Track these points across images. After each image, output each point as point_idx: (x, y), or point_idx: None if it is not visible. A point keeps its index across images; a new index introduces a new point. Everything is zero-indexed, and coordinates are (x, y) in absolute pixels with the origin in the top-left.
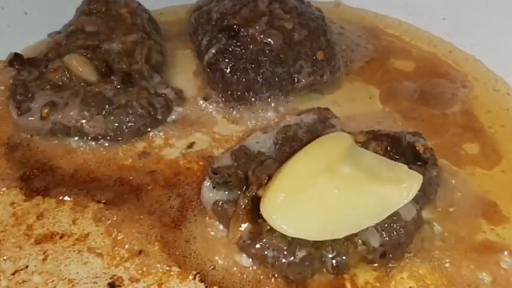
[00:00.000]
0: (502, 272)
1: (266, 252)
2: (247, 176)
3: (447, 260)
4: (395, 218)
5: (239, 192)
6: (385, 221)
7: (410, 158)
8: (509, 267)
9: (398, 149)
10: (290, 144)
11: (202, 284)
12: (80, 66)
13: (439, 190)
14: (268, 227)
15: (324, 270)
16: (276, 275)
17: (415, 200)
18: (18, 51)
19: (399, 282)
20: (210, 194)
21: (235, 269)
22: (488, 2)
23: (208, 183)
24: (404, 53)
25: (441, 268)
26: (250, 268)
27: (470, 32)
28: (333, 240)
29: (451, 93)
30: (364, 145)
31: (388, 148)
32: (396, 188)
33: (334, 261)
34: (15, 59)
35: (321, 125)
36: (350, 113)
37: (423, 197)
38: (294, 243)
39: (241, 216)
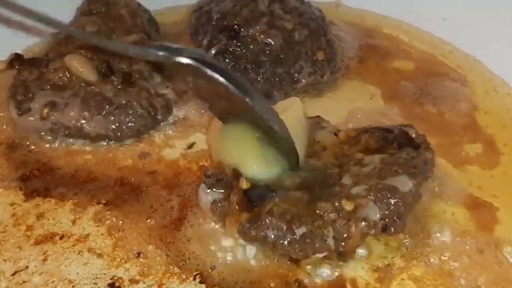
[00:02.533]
0: (502, 272)
1: (266, 233)
2: None
3: (447, 262)
4: (391, 190)
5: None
6: (382, 194)
7: (403, 143)
8: (510, 268)
9: (390, 135)
10: None
11: (203, 284)
12: (81, 67)
13: (439, 190)
14: (266, 210)
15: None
16: (276, 276)
17: (411, 175)
18: (19, 51)
19: (399, 284)
20: (207, 196)
21: (235, 269)
22: (489, 2)
23: (204, 186)
24: (404, 53)
25: (442, 270)
26: (251, 269)
27: (470, 32)
28: (334, 220)
29: (451, 93)
30: (356, 138)
31: (381, 137)
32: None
33: (335, 240)
34: (16, 59)
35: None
36: (350, 112)
37: (419, 174)
38: (292, 220)
39: (236, 210)
